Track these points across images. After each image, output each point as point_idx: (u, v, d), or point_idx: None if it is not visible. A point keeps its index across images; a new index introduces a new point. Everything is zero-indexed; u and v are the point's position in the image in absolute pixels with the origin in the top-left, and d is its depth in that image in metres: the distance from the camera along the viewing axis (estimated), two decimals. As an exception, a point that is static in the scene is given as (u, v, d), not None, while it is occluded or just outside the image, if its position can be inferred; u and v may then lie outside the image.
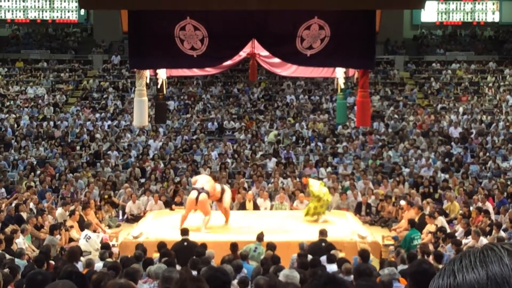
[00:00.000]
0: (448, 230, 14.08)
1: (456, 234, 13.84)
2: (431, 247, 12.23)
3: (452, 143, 22.68)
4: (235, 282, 7.71)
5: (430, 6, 33.12)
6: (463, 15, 34.29)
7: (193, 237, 12.00)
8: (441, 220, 14.70)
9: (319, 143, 22.84)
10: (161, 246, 10.73)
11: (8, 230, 13.49)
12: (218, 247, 11.97)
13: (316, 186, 15.13)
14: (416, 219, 14.41)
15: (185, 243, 11.19)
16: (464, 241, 12.79)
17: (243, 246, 11.32)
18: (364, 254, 9.12)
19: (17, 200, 16.63)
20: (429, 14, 33.80)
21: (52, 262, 9.78)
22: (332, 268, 8.89)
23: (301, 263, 8.99)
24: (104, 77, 29.99)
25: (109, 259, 10.24)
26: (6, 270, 8.44)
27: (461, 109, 25.88)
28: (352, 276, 7.53)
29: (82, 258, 10.00)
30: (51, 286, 3.46)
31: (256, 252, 11.50)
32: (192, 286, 2.27)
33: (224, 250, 11.09)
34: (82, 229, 14.96)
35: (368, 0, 10.38)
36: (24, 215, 15.41)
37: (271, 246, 10.79)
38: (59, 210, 16.10)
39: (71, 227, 14.54)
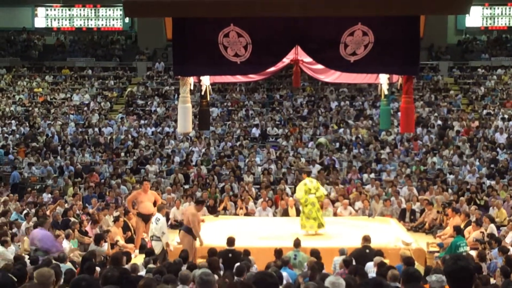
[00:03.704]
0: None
1: (507, 240, 13.62)
2: (474, 253, 12.05)
3: (498, 149, 22.35)
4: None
5: (475, 11, 32.74)
6: (508, 19, 33.83)
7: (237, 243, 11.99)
8: (492, 227, 14.49)
9: (362, 149, 22.72)
10: (211, 253, 10.76)
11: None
12: (262, 253, 12.00)
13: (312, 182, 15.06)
14: (462, 226, 14.24)
15: (230, 255, 11.13)
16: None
17: (286, 252, 11.32)
18: (409, 261, 9.05)
19: (59, 206, 16.86)
20: (474, 19, 33.40)
21: (98, 269, 9.84)
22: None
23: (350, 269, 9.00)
24: (148, 84, 30.24)
25: (152, 265, 10.28)
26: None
27: (506, 115, 25.48)
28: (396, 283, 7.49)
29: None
30: None
31: (296, 260, 11.45)
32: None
33: (268, 256, 11.11)
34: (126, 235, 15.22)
35: (412, 6, 10.24)
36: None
37: (315, 253, 10.75)
38: (106, 216, 16.30)
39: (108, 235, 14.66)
